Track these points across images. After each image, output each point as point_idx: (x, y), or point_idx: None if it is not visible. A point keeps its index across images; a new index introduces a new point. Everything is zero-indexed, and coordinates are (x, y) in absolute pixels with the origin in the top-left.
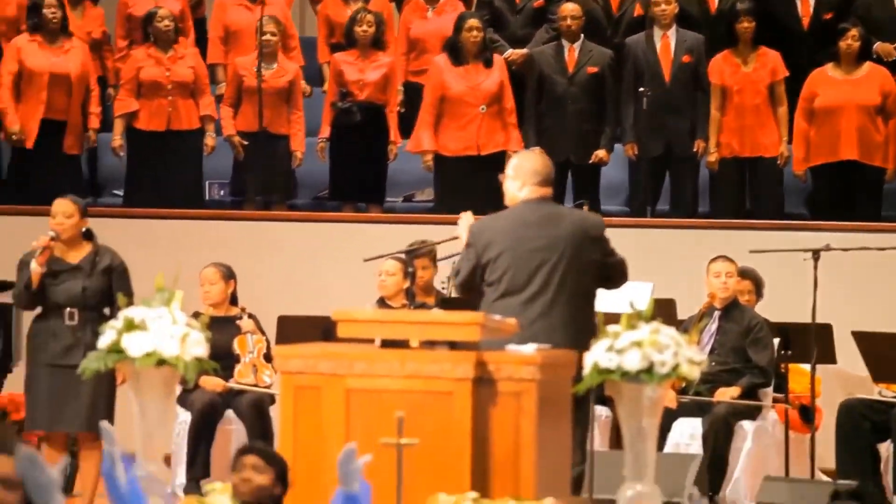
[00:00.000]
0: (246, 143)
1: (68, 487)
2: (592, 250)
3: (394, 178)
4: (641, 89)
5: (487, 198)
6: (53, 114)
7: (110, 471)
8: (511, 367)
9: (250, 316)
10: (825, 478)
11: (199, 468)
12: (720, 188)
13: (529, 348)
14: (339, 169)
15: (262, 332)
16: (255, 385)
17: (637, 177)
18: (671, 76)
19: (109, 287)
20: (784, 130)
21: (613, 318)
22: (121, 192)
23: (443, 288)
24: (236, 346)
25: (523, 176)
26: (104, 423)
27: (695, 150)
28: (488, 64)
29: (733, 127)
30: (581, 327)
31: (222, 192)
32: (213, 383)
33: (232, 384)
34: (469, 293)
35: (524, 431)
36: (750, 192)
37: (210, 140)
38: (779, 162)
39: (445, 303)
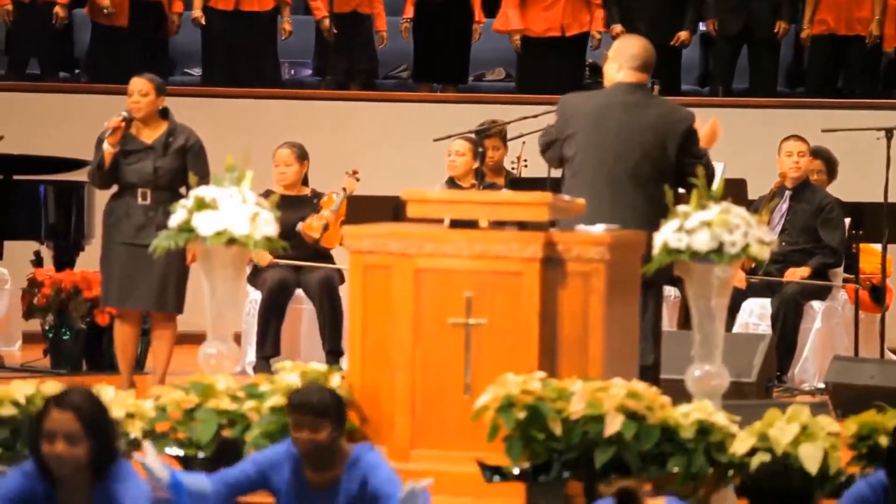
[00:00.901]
0: (336, 31)
1: (140, 364)
2: (673, 145)
3: (472, 57)
4: None
5: (567, 79)
6: None
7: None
8: (580, 248)
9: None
10: (895, 357)
11: (268, 347)
12: (813, 66)
13: (599, 228)
14: (423, 50)
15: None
16: (316, 241)
17: (711, 56)
18: None
19: (184, 166)
20: (878, 9)
21: (683, 199)
22: (192, 71)
23: (513, 168)
24: (325, 199)
25: (620, 58)
26: (143, 458)
27: (776, 31)
28: None
29: (829, 3)
30: (650, 218)
31: (293, 72)
32: (260, 256)
33: (300, 228)
34: (549, 163)
35: (592, 312)
36: (844, 71)
37: (287, 25)
38: (866, 41)
39: (515, 183)
